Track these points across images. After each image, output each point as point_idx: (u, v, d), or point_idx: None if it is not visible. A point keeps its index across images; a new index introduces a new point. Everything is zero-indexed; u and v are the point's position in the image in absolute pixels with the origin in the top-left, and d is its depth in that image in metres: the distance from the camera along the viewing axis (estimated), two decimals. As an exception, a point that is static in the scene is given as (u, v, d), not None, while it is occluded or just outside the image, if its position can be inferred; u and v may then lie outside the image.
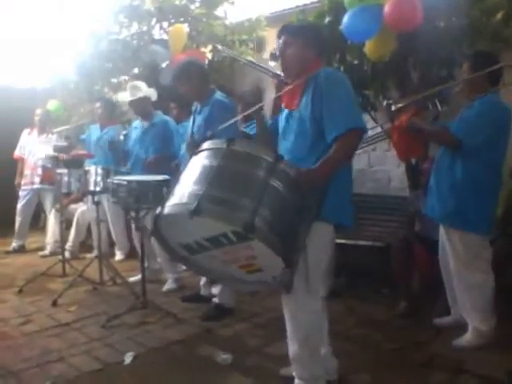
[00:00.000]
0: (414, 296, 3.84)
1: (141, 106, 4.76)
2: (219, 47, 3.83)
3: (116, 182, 3.78)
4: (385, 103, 3.44)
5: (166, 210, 2.13)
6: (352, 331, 3.50)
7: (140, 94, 4.74)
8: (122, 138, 5.09)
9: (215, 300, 3.78)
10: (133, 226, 4.31)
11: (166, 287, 4.54)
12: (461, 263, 3.17)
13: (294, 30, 2.63)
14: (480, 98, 3.12)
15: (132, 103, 4.79)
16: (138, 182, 3.68)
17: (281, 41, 2.59)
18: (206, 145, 2.29)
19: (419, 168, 4.10)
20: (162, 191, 3.61)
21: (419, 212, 3.95)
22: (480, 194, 3.09)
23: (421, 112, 3.25)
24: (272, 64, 3.04)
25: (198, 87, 3.71)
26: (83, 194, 5.24)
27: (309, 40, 2.58)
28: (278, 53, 2.63)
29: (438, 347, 3.21)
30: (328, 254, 2.57)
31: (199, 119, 3.69)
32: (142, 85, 4.87)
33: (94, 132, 5.56)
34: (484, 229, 3.14)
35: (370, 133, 3.41)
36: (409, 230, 3.95)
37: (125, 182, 3.69)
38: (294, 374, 2.57)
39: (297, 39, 2.56)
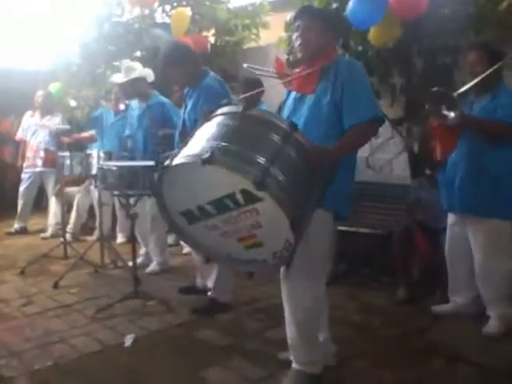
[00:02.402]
0: (414, 283, 3.86)
1: (135, 88, 4.57)
2: (245, 65, 3.73)
3: (105, 167, 3.63)
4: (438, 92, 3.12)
5: (177, 160, 2.07)
6: (351, 317, 3.52)
7: (134, 75, 4.55)
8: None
9: (209, 294, 3.69)
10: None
11: (149, 269, 4.57)
12: (490, 252, 3.18)
13: (314, 13, 2.62)
14: (498, 87, 3.18)
15: (125, 84, 4.60)
16: (129, 168, 3.56)
17: (299, 23, 2.57)
18: (220, 110, 2.26)
19: (422, 156, 4.08)
20: (153, 177, 3.52)
21: (421, 200, 3.95)
22: (507, 180, 3.13)
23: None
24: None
25: (187, 72, 3.51)
26: (85, 178, 5.23)
27: (328, 25, 2.58)
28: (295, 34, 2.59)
29: (436, 334, 3.24)
30: (328, 241, 2.59)
31: (189, 104, 3.54)
32: (137, 65, 4.71)
33: (108, 116, 5.47)
34: (510, 214, 3.16)
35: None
36: (410, 219, 3.96)
37: (114, 168, 3.55)
38: (291, 358, 2.59)
39: (317, 23, 2.54)
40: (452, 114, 3.00)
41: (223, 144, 2.02)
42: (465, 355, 2.91)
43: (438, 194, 3.77)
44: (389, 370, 2.77)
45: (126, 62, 4.83)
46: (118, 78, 4.73)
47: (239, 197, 2.02)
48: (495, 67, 3.10)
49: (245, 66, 3.69)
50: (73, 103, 6.35)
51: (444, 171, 3.36)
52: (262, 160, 1.99)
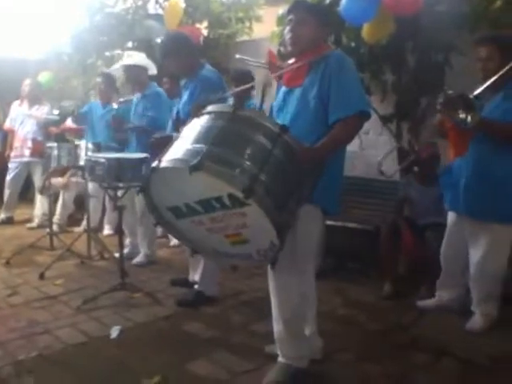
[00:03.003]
0: (400, 279, 3.89)
1: (134, 74, 4.58)
2: (237, 56, 3.73)
3: (93, 159, 3.62)
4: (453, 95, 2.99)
5: (164, 163, 2.06)
6: (338, 312, 3.54)
7: (133, 61, 4.57)
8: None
9: (196, 287, 3.68)
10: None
11: (136, 260, 4.56)
12: (488, 255, 3.17)
13: (308, 7, 2.60)
14: (509, 85, 3.07)
15: (125, 68, 4.62)
16: (117, 160, 3.55)
17: (292, 16, 2.56)
18: (210, 108, 2.25)
19: (412, 154, 4.09)
20: (141, 169, 3.53)
21: (408, 197, 3.97)
22: None
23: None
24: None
25: (185, 62, 3.57)
26: (67, 169, 5.19)
27: (321, 20, 2.56)
28: (287, 28, 2.59)
29: (420, 329, 3.26)
30: (317, 237, 2.59)
31: (185, 95, 3.58)
32: (139, 54, 4.74)
33: (96, 109, 5.36)
34: None
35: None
36: (397, 215, 3.98)
37: (102, 160, 3.54)
38: (278, 352, 2.59)
39: (310, 17, 2.53)
40: (469, 118, 2.91)
41: (212, 148, 2.00)
42: (448, 350, 2.94)
43: (426, 192, 3.81)
44: (373, 364, 2.79)
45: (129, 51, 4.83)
46: (119, 64, 4.72)
47: (226, 200, 2.02)
48: None
49: (237, 56, 3.68)
50: (55, 112, 6.21)
51: (449, 172, 3.31)
52: (250, 166, 1.98)
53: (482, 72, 3.11)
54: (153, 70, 4.71)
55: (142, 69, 4.61)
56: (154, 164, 2.09)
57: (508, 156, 3.07)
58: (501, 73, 2.97)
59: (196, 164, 1.91)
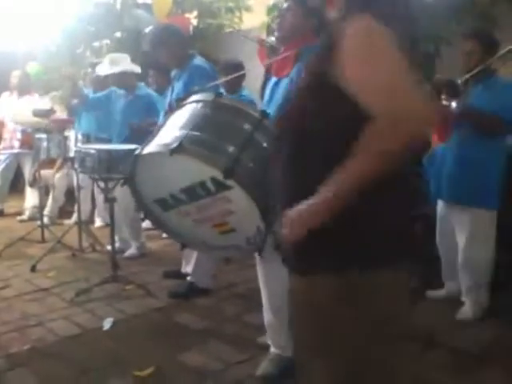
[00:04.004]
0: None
1: (122, 79, 4.48)
2: (228, 30, 3.74)
3: (84, 150, 3.59)
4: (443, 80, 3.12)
5: (146, 149, 2.12)
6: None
7: (119, 69, 4.43)
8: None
9: (189, 278, 3.69)
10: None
11: (128, 253, 4.55)
12: (472, 240, 3.20)
13: None
14: (489, 77, 3.15)
15: (111, 77, 4.50)
16: (108, 151, 3.53)
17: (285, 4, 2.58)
18: (192, 97, 2.28)
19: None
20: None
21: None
22: (493, 171, 3.15)
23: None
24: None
25: (176, 53, 3.57)
26: (63, 160, 5.15)
27: (310, 10, 2.55)
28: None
29: (411, 318, 3.28)
30: None
31: (178, 86, 3.56)
32: (123, 57, 4.61)
33: None
34: (495, 204, 3.19)
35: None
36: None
37: (93, 151, 3.50)
38: (269, 342, 2.62)
39: (298, 7, 2.52)
40: (454, 104, 2.95)
41: (193, 133, 2.04)
42: (440, 339, 2.97)
43: (415, 182, 3.81)
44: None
45: (110, 54, 4.74)
46: (105, 69, 4.57)
47: (210, 185, 2.05)
48: (500, 54, 3.07)
49: (236, 30, 3.69)
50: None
51: (433, 161, 3.34)
52: (231, 148, 2.02)
53: (467, 64, 3.17)
54: (137, 69, 4.63)
55: (129, 74, 4.49)
56: (137, 151, 2.14)
57: (487, 140, 3.12)
58: (488, 62, 3.05)
59: (176, 147, 1.95)
